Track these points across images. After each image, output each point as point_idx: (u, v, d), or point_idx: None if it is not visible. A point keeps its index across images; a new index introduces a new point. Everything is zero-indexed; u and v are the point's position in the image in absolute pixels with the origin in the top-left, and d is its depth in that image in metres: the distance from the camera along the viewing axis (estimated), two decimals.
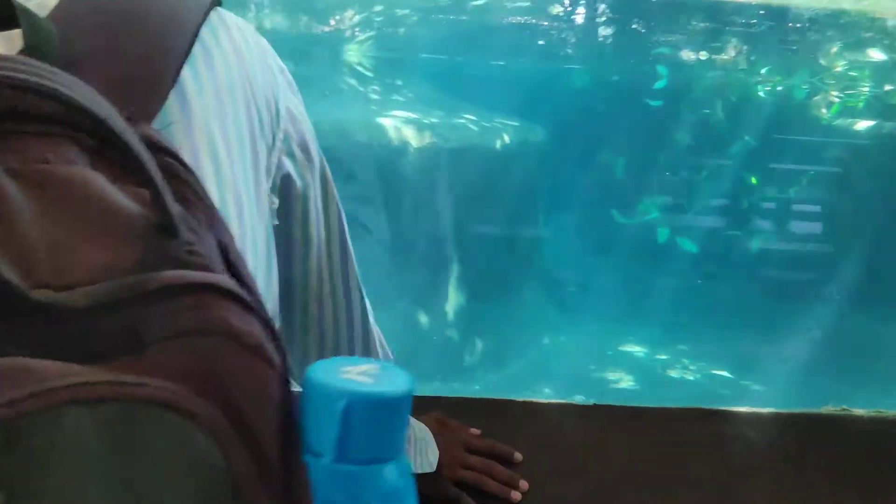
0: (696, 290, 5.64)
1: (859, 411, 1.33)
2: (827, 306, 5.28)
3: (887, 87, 4.77)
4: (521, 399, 1.30)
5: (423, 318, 4.32)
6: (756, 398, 4.62)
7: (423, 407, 1.20)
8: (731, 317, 5.48)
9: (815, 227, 5.64)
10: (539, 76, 5.91)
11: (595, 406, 1.28)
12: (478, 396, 1.34)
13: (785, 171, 5.42)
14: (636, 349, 5.22)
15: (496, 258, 4.83)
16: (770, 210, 5.60)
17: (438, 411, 1.20)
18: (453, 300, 4.46)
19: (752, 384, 4.78)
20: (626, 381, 4.65)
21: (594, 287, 5.86)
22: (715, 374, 4.92)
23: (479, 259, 4.63)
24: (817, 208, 5.60)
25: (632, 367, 4.89)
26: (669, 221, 5.63)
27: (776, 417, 1.35)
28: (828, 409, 1.35)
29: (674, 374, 4.92)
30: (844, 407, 1.35)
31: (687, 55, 5.61)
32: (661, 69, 5.51)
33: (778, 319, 5.32)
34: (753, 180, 5.44)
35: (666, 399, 4.53)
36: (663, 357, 5.13)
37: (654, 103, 5.50)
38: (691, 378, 4.86)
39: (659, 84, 5.50)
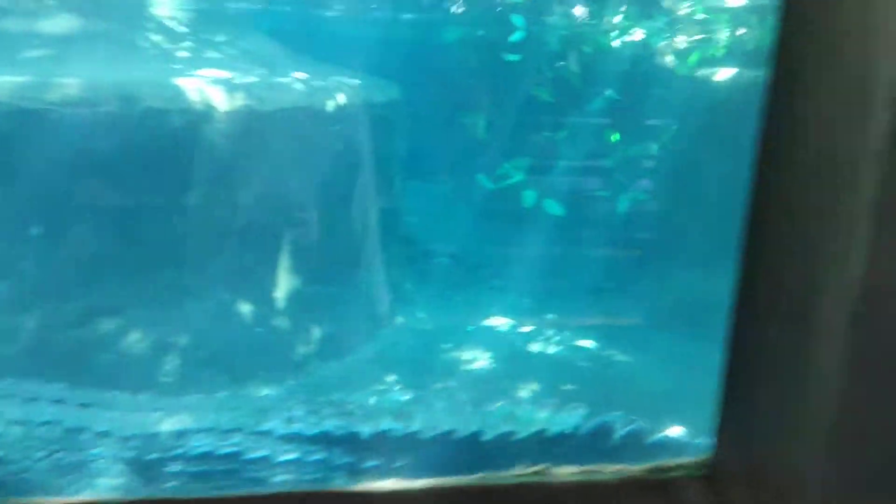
0: (565, 256, 5.31)
1: (568, 470, 0.92)
2: (694, 268, 5.06)
3: (740, 31, 4.47)
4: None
5: (246, 308, 3.82)
6: (620, 369, 4.35)
7: None
8: (600, 282, 5.20)
9: (679, 184, 5.37)
10: (390, 29, 5.42)
11: None
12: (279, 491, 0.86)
13: (647, 126, 5.10)
14: (500, 322, 4.86)
15: (340, 233, 4.36)
16: (635, 168, 5.29)
17: None
18: (284, 284, 3.97)
19: (617, 354, 4.50)
20: (480, 361, 4.27)
21: (457, 257, 5.48)
22: (579, 345, 4.61)
23: (318, 235, 4.14)
24: (681, 164, 5.32)
25: (490, 343, 4.52)
26: (535, 184, 5.28)
27: (428, 495, 0.93)
28: (520, 471, 0.94)
29: (535, 348, 4.58)
30: (543, 468, 0.93)
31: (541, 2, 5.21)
32: (517, 20, 5.08)
33: (646, 282, 5.06)
34: (615, 137, 5.11)
35: (521, 374, 4.22)
36: (527, 329, 4.79)
37: (511, 57, 5.10)
38: (553, 352, 4.53)
39: (515, 37, 5.08)
